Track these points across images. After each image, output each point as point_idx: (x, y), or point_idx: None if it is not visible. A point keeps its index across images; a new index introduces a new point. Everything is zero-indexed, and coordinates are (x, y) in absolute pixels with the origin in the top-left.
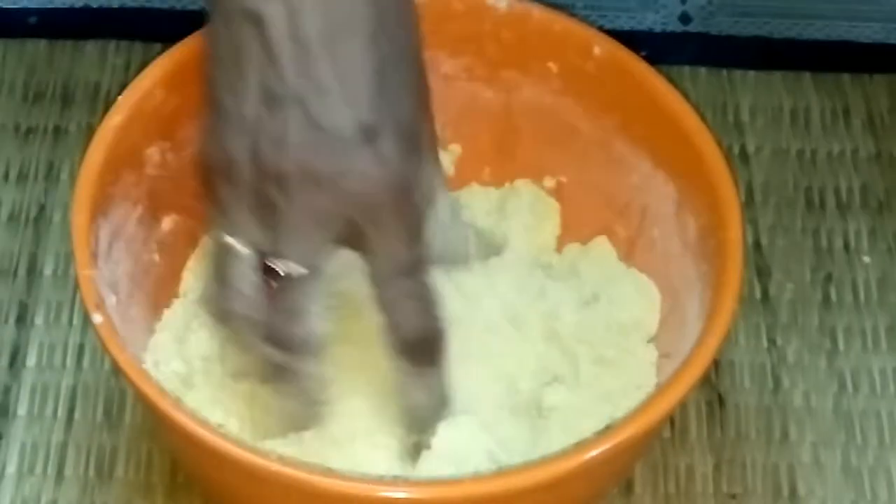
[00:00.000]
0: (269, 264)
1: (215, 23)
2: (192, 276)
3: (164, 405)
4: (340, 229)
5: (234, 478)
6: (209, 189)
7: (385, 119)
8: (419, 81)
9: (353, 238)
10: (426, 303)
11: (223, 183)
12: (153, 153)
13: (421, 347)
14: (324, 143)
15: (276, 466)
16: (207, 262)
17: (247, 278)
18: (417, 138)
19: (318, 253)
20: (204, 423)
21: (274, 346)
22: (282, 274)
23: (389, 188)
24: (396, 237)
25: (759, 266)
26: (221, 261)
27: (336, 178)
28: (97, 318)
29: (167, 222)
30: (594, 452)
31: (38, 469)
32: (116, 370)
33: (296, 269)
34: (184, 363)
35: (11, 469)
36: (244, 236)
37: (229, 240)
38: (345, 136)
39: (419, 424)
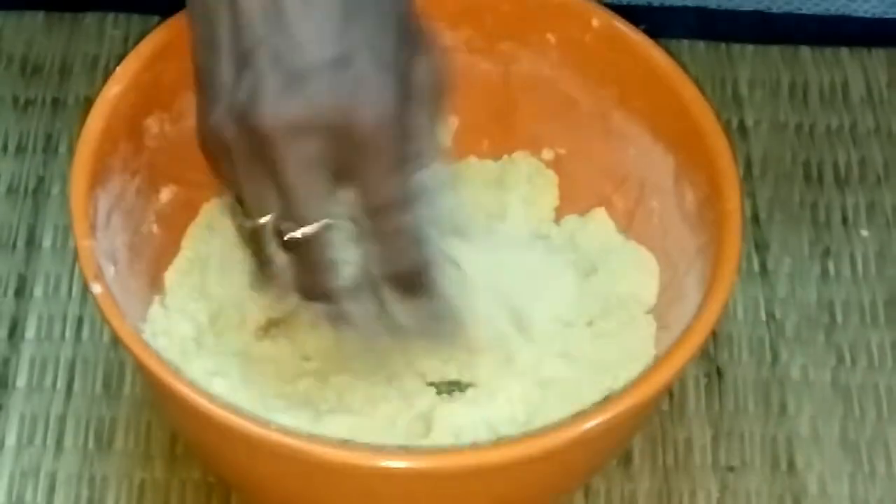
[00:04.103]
0: (283, 229)
1: (191, 8)
2: (192, 244)
3: (163, 374)
4: (335, 168)
5: (233, 448)
6: (216, 169)
7: (358, 46)
8: (401, 20)
9: (345, 173)
10: (411, 237)
11: (224, 160)
12: (151, 124)
13: (406, 280)
14: (298, 87)
15: (275, 436)
16: (243, 243)
17: (274, 246)
18: (400, 71)
19: (325, 200)
20: (202, 392)
21: (320, 301)
22: (298, 236)
23: (374, 119)
24: (384, 169)
25: (757, 240)
26: (246, 237)
27: (315, 115)
28: (96, 288)
29: (165, 193)
30: (593, 423)
31: (38, 440)
32: (115, 340)
33: (308, 228)
34: (182, 333)
35: (11, 440)
36: (259, 207)
37: (248, 215)
38: (316, 71)
39: (435, 351)
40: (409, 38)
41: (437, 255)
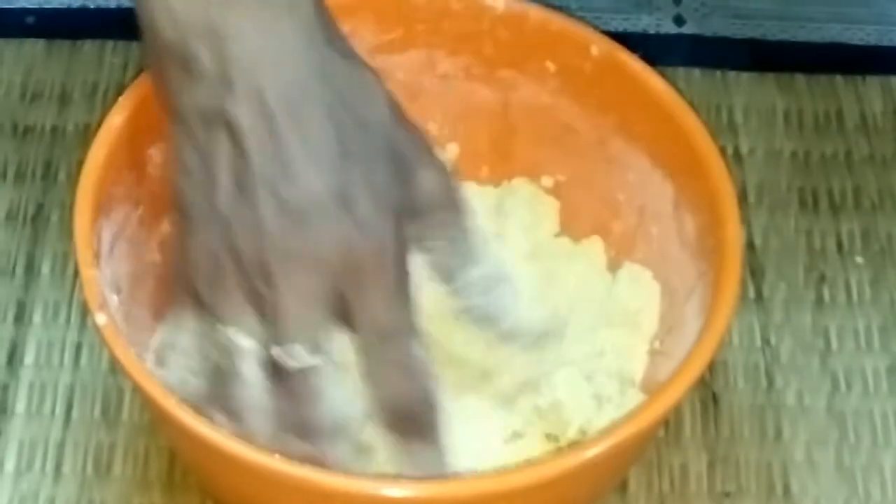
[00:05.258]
0: (277, 358)
1: (178, 132)
2: None
3: (167, 405)
4: (332, 304)
5: (238, 476)
6: (193, 292)
7: (355, 184)
8: (395, 149)
9: (343, 311)
10: (412, 372)
11: (208, 283)
12: (154, 153)
13: (407, 421)
14: (297, 221)
15: (278, 465)
16: (202, 364)
17: (253, 371)
18: (395, 202)
19: (319, 335)
20: (207, 422)
21: (297, 436)
22: (294, 365)
23: (368, 251)
24: (377, 301)
25: (752, 266)
26: (222, 358)
27: (316, 252)
28: (100, 318)
29: (168, 222)
30: (591, 453)
31: (37, 466)
32: (118, 368)
33: (304, 358)
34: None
35: (10, 466)
36: (242, 330)
37: (231, 335)
38: (316, 207)
39: None
40: (406, 158)
41: (438, 396)
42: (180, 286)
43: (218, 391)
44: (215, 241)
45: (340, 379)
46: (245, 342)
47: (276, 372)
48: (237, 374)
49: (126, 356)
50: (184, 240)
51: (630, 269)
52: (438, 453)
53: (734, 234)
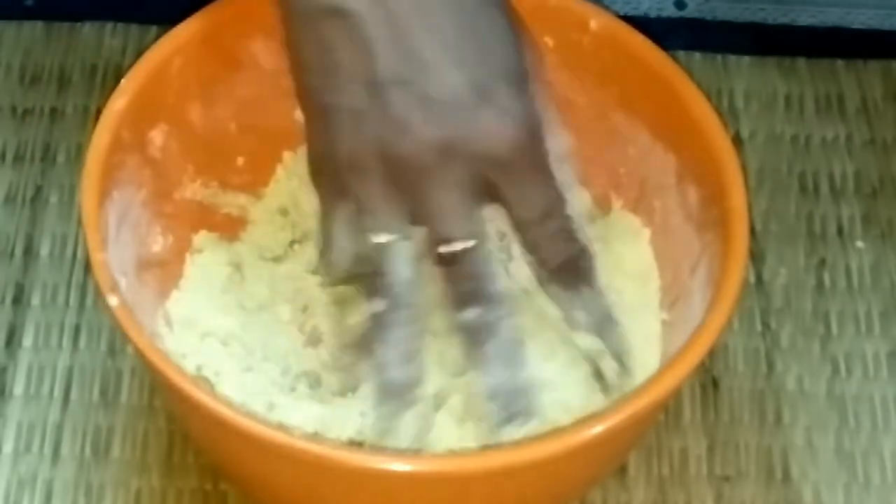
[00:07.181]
0: (441, 249)
1: (296, 26)
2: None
3: (184, 384)
4: (480, 188)
5: (256, 456)
6: (335, 190)
7: (493, 72)
8: (511, 24)
9: (491, 193)
10: (572, 234)
11: (355, 181)
12: (155, 136)
13: (572, 273)
14: (442, 114)
15: (302, 444)
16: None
17: (406, 268)
18: (527, 81)
19: (474, 218)
20: (226, 402)
21: (472, 306)
22: (457, 250)
23: (516, 139)
24: (533, 185)
25: (753, 251)
26: (373, 258)
27: (464, 144)
28: (113, 300)
29: (169, 205)
30: (588, 434)
31: (35, 448)
32: (136, 352)
33: (463, 243)
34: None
35: (8, 448)
36: (390, 228)
37: (382, 238)
38: (460, 101)
39: (600, 339)
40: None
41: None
42: (325, 185)
43: (370, 286)
44: (359, 141)
45: (494, 254)
46: (396, 240)
47: (440, 259)
48: (391, 271)
49: (140, 337)
50: (326, 139)
51: (630, 243)
52: (602, 295)
53: (740, 202)
